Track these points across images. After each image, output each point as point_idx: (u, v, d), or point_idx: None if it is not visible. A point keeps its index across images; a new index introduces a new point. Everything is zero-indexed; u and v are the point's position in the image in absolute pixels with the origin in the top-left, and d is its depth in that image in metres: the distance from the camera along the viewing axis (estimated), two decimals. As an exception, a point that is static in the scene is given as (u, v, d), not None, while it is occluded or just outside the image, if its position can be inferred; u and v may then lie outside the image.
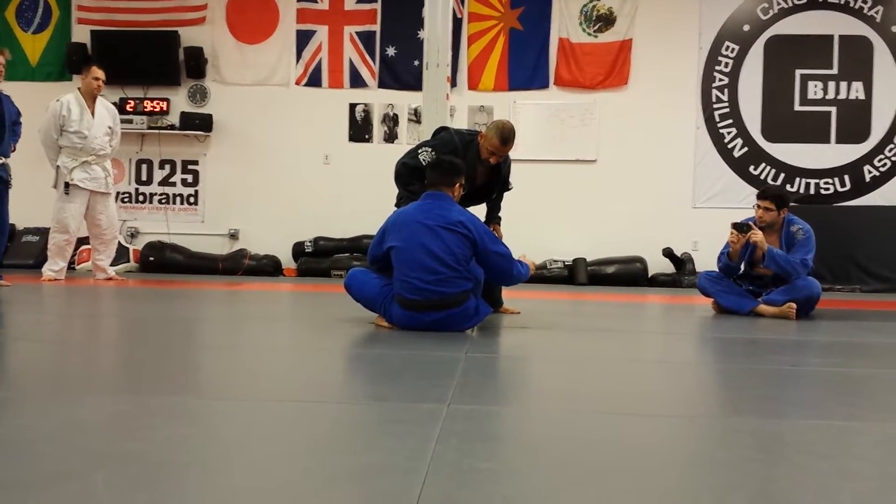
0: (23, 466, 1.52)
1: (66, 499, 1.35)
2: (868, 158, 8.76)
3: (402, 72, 9.09)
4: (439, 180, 3.94)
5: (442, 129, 4.84)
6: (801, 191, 8.80)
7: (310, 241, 8.91)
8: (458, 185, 3.98)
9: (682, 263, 8.56)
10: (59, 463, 1.54)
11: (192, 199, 9.39)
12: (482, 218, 4.33)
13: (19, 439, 1.73)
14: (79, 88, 6.97)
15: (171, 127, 9.13)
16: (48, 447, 1.66)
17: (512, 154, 4.73)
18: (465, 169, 4.09)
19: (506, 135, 4.49)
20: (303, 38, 9.22)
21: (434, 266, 3.69)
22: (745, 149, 8.88)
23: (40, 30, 9.39)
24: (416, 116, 8.93)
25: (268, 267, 8.75)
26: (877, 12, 8.71)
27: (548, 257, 8.70)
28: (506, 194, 4.95)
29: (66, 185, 6.81)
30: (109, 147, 7.07)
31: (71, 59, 9.15)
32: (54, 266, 6.91)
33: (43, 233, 8.09)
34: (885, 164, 8.75)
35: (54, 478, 1.45)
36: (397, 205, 4.49)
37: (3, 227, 6.42)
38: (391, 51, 9.13)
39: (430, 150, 4.49)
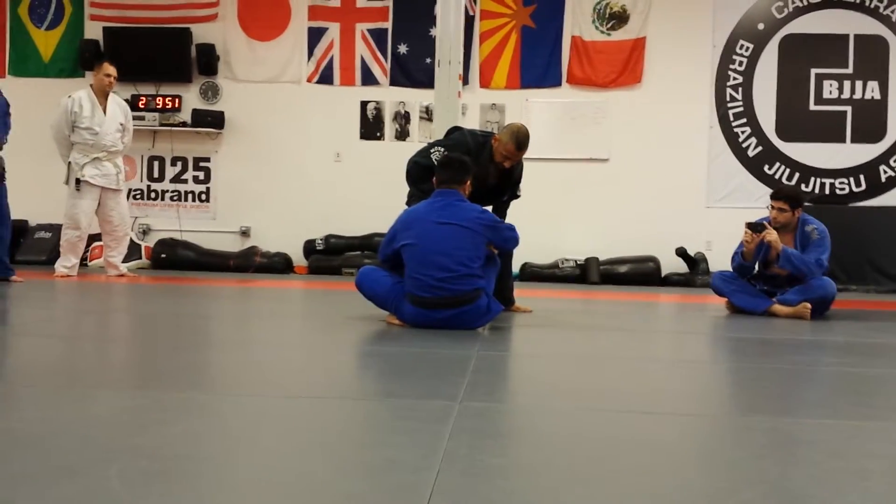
0: (34, 460, 1.52)
1: (77, 493, 1.34)
2: (884, 158, 8.69)
3: (414, 69, 9.08)
4: (450, 178, 3.93)
5: (455, 129, 4.82)
6: (816, 191, 8.73)
7: (321, 239, 8.91)
8: (468, 182, 3.97)
9: (695, 263, 8.51)
10: (71, 457, 1.54)
11: (203, 197, 9.40)
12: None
13: (31, 433, 1.73)
14: (91, 85, 6.99)
15: (183, 124, 9.15)
16: (59, 441, 1.66)
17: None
18: (475, 168, 4.09)
19: (521, 140, 4.48)
20: (314, 36, 9.21)
21: (446, 264, 3.68)
22: (760, 148, 8.82)
23: (53, 26, 9.42)
24: (427, 114, 8.92)
25: (279, 264, 8.76)
26: (892, 11, 8.63)
27: (560, 256, 8.68)
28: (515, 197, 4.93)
29: (78, 181, 6.82)
30: (121, 144, 7.08)
31: (83, 55, 9.18)
32: (67, 262, 6.93)
33: (55, 229, 8.12)
34: (900, 165, 8.68)
35: (65, 472, 1.44)
36: (408, 203, 4.48)
37: (4, 219, 6.39)
38: (403, 48, 9.11)
39: (442, 149, 4.48)
